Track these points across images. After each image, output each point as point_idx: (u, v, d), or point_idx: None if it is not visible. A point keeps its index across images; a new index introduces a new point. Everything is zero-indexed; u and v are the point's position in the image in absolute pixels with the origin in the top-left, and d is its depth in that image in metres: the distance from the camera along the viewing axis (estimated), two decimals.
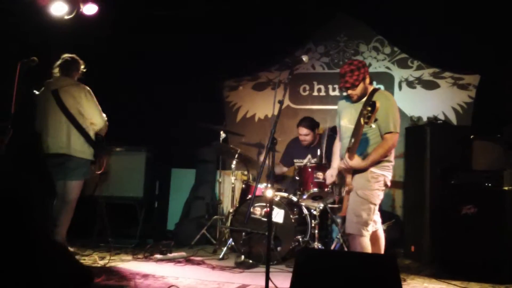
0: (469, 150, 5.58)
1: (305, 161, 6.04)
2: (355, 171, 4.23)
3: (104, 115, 5.41)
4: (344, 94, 4.47)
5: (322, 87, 7.29)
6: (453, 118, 6.62)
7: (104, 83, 6.01)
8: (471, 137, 5.62)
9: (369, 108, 3.84)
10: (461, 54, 6.45)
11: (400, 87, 6.90)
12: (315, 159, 5.63)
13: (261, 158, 6.34)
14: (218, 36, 7.21)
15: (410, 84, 6.87)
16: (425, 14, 6.46)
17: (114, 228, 6.28)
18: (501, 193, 4.87)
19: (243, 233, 5.52)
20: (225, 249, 5.75)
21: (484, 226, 4.88)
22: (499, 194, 4.88)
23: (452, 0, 6.33)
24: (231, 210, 6.10)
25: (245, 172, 6.49)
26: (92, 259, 5.30)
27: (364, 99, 4.26)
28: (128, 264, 5.21)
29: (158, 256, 5.47)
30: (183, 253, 5.69)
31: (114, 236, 6.13)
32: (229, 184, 6.45)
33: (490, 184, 4.97)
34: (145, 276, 4.64)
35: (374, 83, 6.85)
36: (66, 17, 6.14)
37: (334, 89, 7.19)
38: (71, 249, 5.40)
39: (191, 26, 7.26)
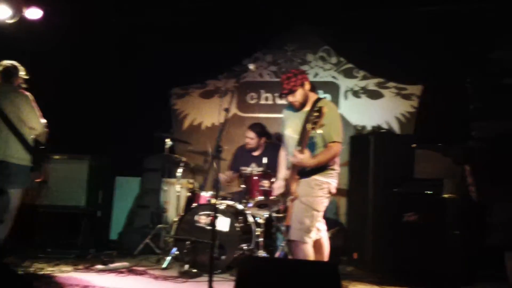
0: (412, 158, 5.69)
1: (249, 169, 6.03)
2: (301, 172, 4.22)
3: (44, 120, 5.27)
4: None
5: (269, 95, 7.31)
6: (396, 127, 6.74)
7: (46, 89, 5.85)
8: (413, 145, 5.73)
9: (316, 114, 3.91)
10: (405, 65, 6.58)
11: (345, 97, 6.99)
12: (260, 168, 5.64)
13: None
14: (167, 43, 7.15)
15: (356, 94, 6.97)
16: (370, 25, 6.58)
17: (55, 238, 6.09)
18: (442, 201, 4.99)
19: (187, 242, 5.43)
20: (169, 258, 5.64)
21: (425, 234, 4.99)
22: (439, 202, 5.00)
23: (395, 13, 6.49)
24: (175, 219, 6.01)
25: (191, 180, 6.42)
26: (31, 270, 5.10)
27: (307, 108, 4.30)
28: (67, 275, 5.04)
29: (99, 266, 5.32)
30: (125, 263, 5.54)
31: (54, 247, 5.93)
32: (175, 193, 6.36)
33: (431, 192, 5.08)
34: (85, 287, 4.51)
35: (321, 92, 6.92)
36: (9, 21, 5.97)
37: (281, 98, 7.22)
38: (9, 259, 5.22)
39: (140, 33, 7.18)
